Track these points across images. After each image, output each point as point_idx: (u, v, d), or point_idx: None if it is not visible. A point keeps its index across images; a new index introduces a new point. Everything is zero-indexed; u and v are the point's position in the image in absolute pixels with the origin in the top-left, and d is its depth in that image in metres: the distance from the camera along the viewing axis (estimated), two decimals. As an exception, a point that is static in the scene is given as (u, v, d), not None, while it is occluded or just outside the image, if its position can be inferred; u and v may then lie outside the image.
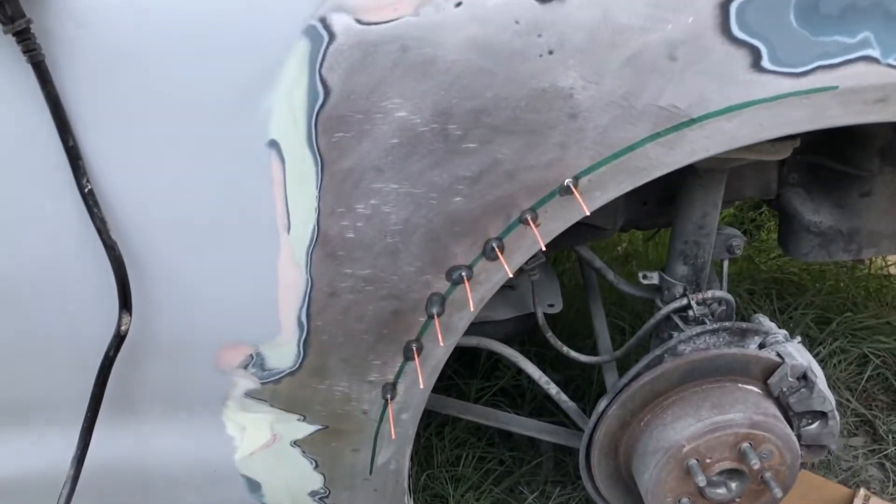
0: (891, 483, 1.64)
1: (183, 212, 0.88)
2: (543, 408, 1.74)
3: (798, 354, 1.16)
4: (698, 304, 1.25)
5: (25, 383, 1.02)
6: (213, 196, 0.87)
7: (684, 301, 1.25)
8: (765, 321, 1.23)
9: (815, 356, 1.79)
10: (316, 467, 1.10)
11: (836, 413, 1.19)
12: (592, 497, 1.32)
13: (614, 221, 1.31)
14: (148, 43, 0.80)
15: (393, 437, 1.05)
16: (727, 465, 1.13)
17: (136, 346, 0.96)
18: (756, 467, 1.11)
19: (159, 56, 0.81)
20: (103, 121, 0.83)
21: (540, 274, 1.28)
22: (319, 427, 1.05)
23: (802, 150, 1.22)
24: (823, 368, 1.78)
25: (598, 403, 1.20)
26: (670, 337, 1.24)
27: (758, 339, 1.20)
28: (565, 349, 1.33)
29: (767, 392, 1.17)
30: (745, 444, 1.11)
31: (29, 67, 0.79)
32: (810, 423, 1.21)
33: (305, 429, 1.05)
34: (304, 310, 0.93)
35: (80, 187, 0.85)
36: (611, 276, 1.37)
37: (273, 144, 0.83)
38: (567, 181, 0.86)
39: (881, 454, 1.70)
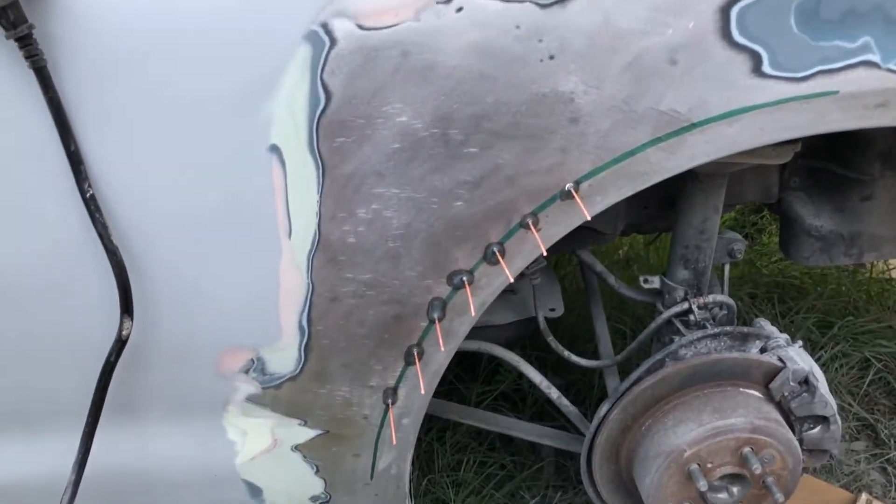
0: (893, 487, 1.63)
1: (184, 216, 0.88)
2: (545, 412, 1.74)
3: (799, 359, 1.16)
4: (699, 308, 1.25)
5: (27, 388, 1.02)
6: (214, 201, 0.87)
7: (685, 305, 1.25)
8: (766, 325, 1.23)
9: (816, 360, 1.79)
10: (317, 472, 1.10)
11: (838, 417, 1.19)
12: (594, 502, 1.31)
13: (615, 226, 1.31)
14: (149, 48, 0.81)
15: (394, 441, 1.05)
16: (729, 469, 1.13)
17: (137, 350, 0.96)
18: (758, 472, 1.11)
19: (161, 61, 0.81)
20: (105, 126, 0.84)
21: (541, 278, 1.28)
22: (320, 432, 1.05)
23: (803, 155, 1.22)
24: (825, 372, 1.77)
25: (599, 408, 1.20)
26: (671, 341, 1.24)
27: (759, 344, 1.20)
28: (566, 353, 1.33)
29: (769, 396, 1.17)
30: (747, 449, 1.11)
31: (31, 72, 0.79)
32: (812, 428, 1.20)
33: (306, 433, 1.05)
34: (305, 314, 0.93)
35: (82, 192, 0.85)
36: (612, 280, 1.37)
37: (274, 149, 0.83)
38: (568, 186, 0.86)
39: (883, 458, 1.69)
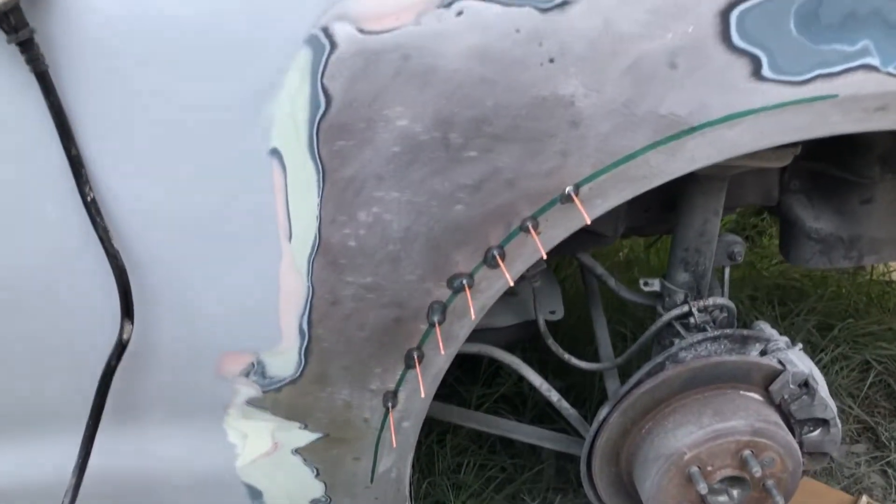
0: (893, 490, 1.63)
1: (185, 220, 0.88)
2: (545, 415, 1.74)
3: (799, 361, 1.16)
4: (699, 311, 1.25)
5: (28, 391, 1.02)
6: (214, 204, 0.87)
7: (685, 308, 1.25)
8: (766, 328, 1.23)
9: (816, 363, 1.79)
10: (317, 475, 1.10)
11: (838, 420, 1.19)
12: (594, 504, 1.31)
13: (615, 228, 1.31)
14: (150, 52, 0.81)
15: (394, 445, 1.05)
16: (729, 472, 1.13)
17: (137, 354, 0.96)
18: (758, 475, 1.11)
19: (161, 65, 0.81)
20: (106, 130, 0.84)
21: (541, 281, 1.28)
22: (320, 435, 1.05)
23: (803, 157, 1.21)
24: (825, 375, 1.78)
25: (599, 411, 1.20)
26: (672, 344, 1.24)
27: (759, 346, 1.20)
28: (566, 356, 1.33)
29: (769, 399, 1.17)
30: (747, 452, 1.11)
31: (32, 76, 0.79)
32: (812, 431, 1.20)
33: (306, 437, 1.05)
34: (306, 318, 0.93)
35: (83, 196, 0.85)
36: (612, 282, 1.37)
37: (275, 153, 0.84)
38: (568, 189, 0.86)
39: (884, 461, 1.69)
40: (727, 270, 1.33)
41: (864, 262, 1.33)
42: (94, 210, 0.86)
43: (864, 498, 1.49)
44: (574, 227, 0.90)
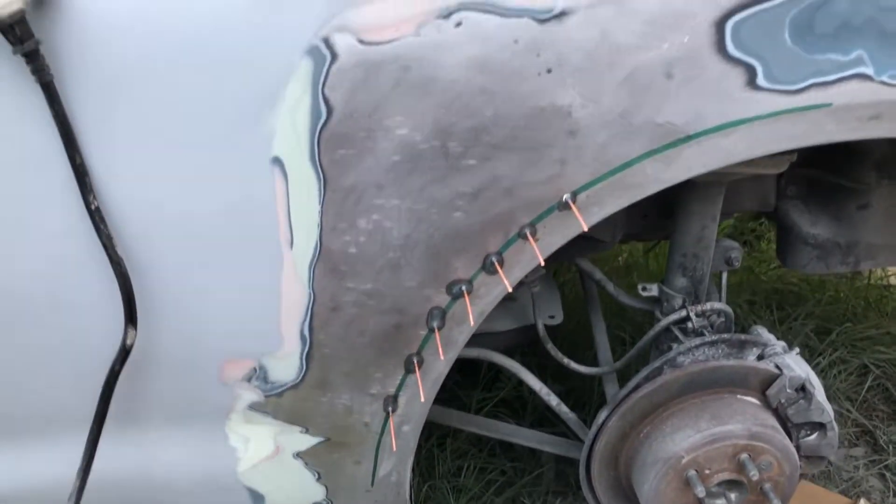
0: (891, 493, 1.64)
1: (187, 228, 0.89)
2: (545, 418, 1.75)
3: (796, 366, 1.17)
4: (697, 315, 1.26)
5: (32, 396, 1.03)
6: (217, 212, 0.88)
7: (683, 313, 1.26)
8: (763, 333, 1.24)
9: (815, 366, 1.80)
10: (318, 479, 1.11)
11: (835, 424, 1.19)
12: (593, 508, 1.32)
13: (613, 234, 1.32)
14: (154, 63, 0.82)
15: (394, 448, 1.06)
16: (726, 476, 1.14)
17: (141, 359, 0.97)
18: (755, 478, 1.12)
19: (165, 76, 0.82)
20: (110, 139, 0.85)
21: (540, 286, 1.29)
22: (321, 439, 1.06)
23: (800, 164, 1.22)
24: (823, 379, 1.79)
25: (598, 415, 1.21)
26: (670, 348, 1.25)
27: (756, 351, 1.21)
28: (566, 360, 1.34)
29: (766, 403, 1.18)
30: (744, 455, 1.12)
31: (37, 86, 0.80)
32: (809, 435, 1.21)
33: (308, 441, 1.06)
34: (307, 323, 0.94)
35: (87, 204, 0.86)
36: (611, 287, 1.38)
37: (276, 161, 0.85)
38: (565, 197, 0.87)
39: (882, 465, 1.70)
40: (725, 275, 1.34)
41: (860, 267, 1.34)
42: (97, 218, 0.87)
43: (862, 501, 1.49)
44: (572, 233, 0.91)
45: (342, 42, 0.80)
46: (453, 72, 0.80)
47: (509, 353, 1.34)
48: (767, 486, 1.14)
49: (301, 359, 0.97)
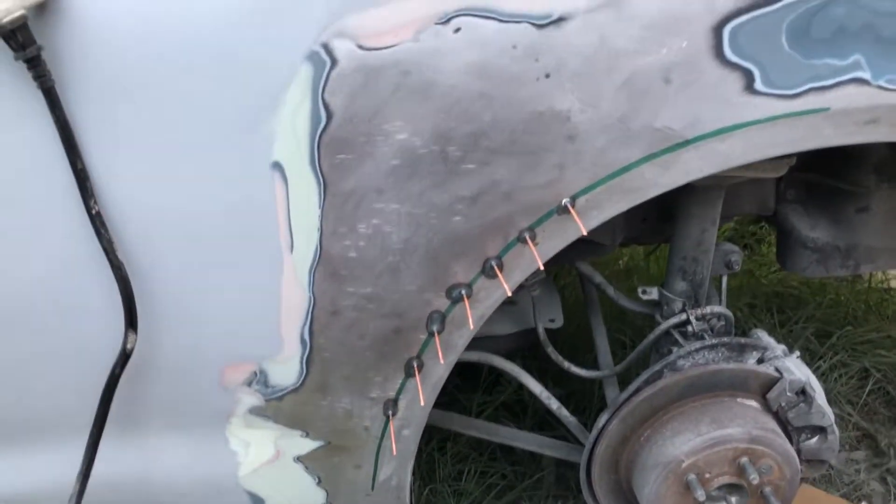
0: (892, 497, 1.63)
1: (188, 232, 0.90)
2: (545, 422, 1.75)
3: (796, 369, 1.17)
4: (697, 319, 1.26)
5: (33, 399, 1.03)
6: (218, 217, 0.89)
7: (683, 316, 1.26)
8: (763, 336, 1.24)
9: (815, 370, 1.80)
10: (318, 483, 1.11)
11: (836, 428, 1.19)
12: (594, 512, 1.32)
13: (613, 238, 1.32)
14: (154, 68, 0.82)
15: (394, 452, 1.06)
16: (726, 479, 1.14)
17: (141, 363, 0.97)
18: (755, 482, 1.11)
19: (165, 81, 0.83)
20: (111, 144, 0.85)
21: (540, 289, 1.29)
22: (322, 443, 1.06)
23: (799, 167, 1.23)
24: (824, 382, 1.79)
25: (598, 418, 1.21)
26: (670, 352, 1.25)
27: (756, 354, 1.21)
28: (566, 364, 1.34)
29: (766, 407, 1.18)
30: (744, 459, 1.12)
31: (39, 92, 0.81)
32: (810, 438, 1.21)
33: (308, 445, 1.07)
34: (307, 327, 0.94)
35: (88, 209, 0.86)
36: (611, 291, 1.38)
37: (276, 166, 0.85)
38: (565, 201, 0.87)
39: (883, 468, 1.70)
40: (724, 279, 1.34)
41: (860, 270, 1.34)
42: (98, 222, 0.87)
43: (863, 505, 1.49)
44: (571, 237, 0.91)
45: (342, 47, 0.80)
46: (452, 77, 0.81)
47: (510, 356, 1.34)
48: (768, 489, 1.14)
49: (301, 363, 0.97)
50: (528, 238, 0.89)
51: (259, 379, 0.99)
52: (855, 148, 1.19)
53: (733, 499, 1.17)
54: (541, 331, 1.33)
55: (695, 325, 1.25)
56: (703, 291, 1.28)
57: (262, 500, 1.13)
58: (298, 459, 1.08)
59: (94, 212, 0.86)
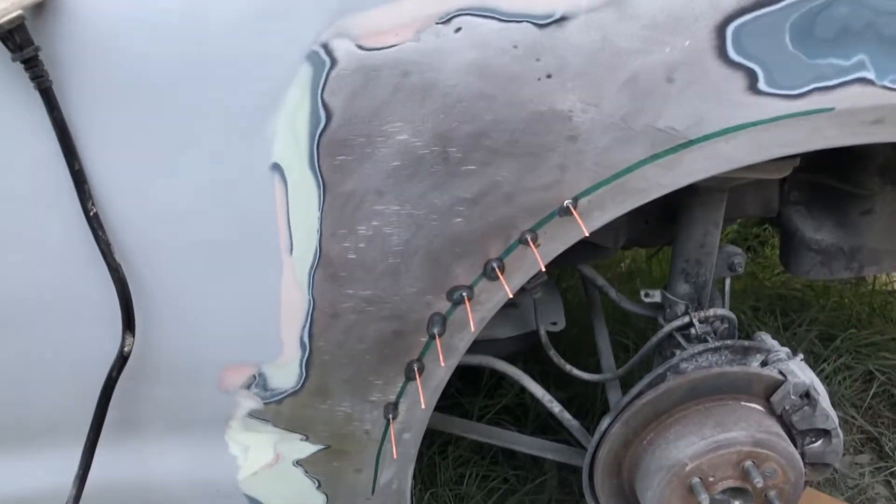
0: (897, 501, 1.63)
1: (186, 233, 0.89)
2: (547, 425, 1.74)
3: (800, 372, 1.16)
4: (700, 322, 1.25)
5: (29, 403, 1.02)
6: (216, 218, 0.88)
7: (686, 319, 1.25)
8: (767, 339, 1.23)
9: (819, 373, 1.79)
10: (318, 487, 1.10)
11: (840, 431, 1.19)
12: (596, 516, 1.31)
13: (616, 240, 1.31)
14: (152, 69, 0.82)
15: (395, 456, 1.05)
16: (730, 483, 1.13)
17: (139, 366, 0.97)
18: (759, 486, 1.11)
19: (163, 82, 0.82)
20: (109, 145, 0.85)
21: (542, 292, 1.28)
22: (322, 447, 1.06)
23: (803, 169, 1.22)
24: (828, 385, 1.78)
25: (601, 422, 1.20)
26: (673, 355, 1.24)
27: (760, 357, 1.20)
28: (568, 367, 1.33)
29: (770, 410, 1.17)
30: (748, 463, 1.11)
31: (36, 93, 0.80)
32: (814, 441, 1.20)
33: (308, 448, 1.06)
34: (307, 330, 0.93)
35: (86, 210, 0.86)
36: (613, 293, 1.37)
37: (276, 167, 0.85)
38: (566, 202, 0.87)
39: (887, 472, 1.69)
40: (728, 281, 1.33)
41: (864, 272, 1.33)
42: (96, 224, 0.86)
43: (868, 509, 1.48)
44: (573, 239, 0.91)
45: (341, 48, 0.80)
46: (453, 77, 0.80)
47: (511, 359, 1.34)
48: (772, 493, 1.13)
49: (301, 366, 0.96)
50: (529, 240, 0.89)
51: (258, 382, 0.98)
52: (859, 149, 1.19)
53: (737, 502, 1.16)
54: (542, 334, 1.32)
55: (698, 328, 1.24)
56: (706, 294, 1.27)
57: (261, 504, 1.12)
58: (298, 463, 1.08)
59: (91, 213, 0.86)
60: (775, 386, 1.16)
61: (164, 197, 0.87)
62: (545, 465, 1.70)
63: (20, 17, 0.76)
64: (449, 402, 1.80)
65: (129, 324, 0.92)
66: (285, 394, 0.99)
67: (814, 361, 1.87)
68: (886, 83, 0.82)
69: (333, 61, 0.80)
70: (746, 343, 1.20)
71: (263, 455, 1.07)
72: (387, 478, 1.10)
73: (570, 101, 0.81)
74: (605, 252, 1.34)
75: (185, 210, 0.88)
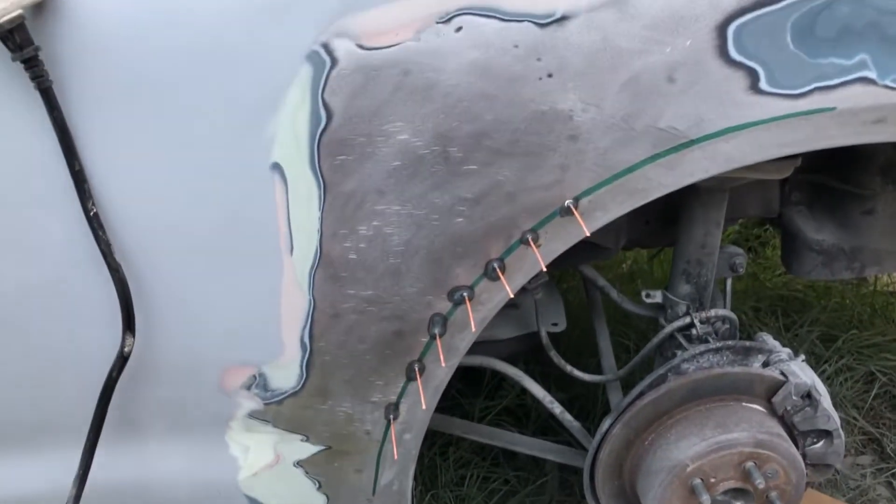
0: (899, 502, 1.62)
1: (187, 234, 0.89)
2: (548, 427, 1.74)
3: (802, 373, 1.16)
4: (702, 322, 1.25)
5: (29, 404, 1.02)
6: (217, 218, 0.88)
7: (687, 320, 1.25)
8: (768, 339, 1.23)
9: (820, 374, 1.79)
10: (319, 488, 1.10)
11: (841, 432, 1.18)
12: (597, 517, 1.31)
13: (617, 241, 1.31)
14: (152, 69, 0.82)
15: (396, 457, 1.05)
16: (732, 484, 1.13)
17: (139, 367, 0.97)
18: (761, 486, 1.10)
19: (163, 81, 0.82)
20: (109, 145, 0.85)
21: (543, 293, 1.28)
22: (322, 447, 1.05)
23: (804, 169, 1.22)
24: (830, 386, 1.78)
25: (602, 423, 1.20)
26: (674, 356, 1.24)
27: (761, 358, 1.20)
28: (569, 368, 1.33)
29: (772, 411, 1.17)
30: (750, 464, 1.11)
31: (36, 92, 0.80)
32: (815, 442, 1.20)
33: (308, 449, 1.06)
34: (307, 331, 0.93)
35: (86, 210, 0.86)
36: (614, 294, 1.37)
37: (276, 167, 0.84)
38: (567, 202, 0.86)
39: (889, 473, 1.68)
40: (729, 282, 1.33)
41: (866, 273, 1.33)
42: (96, 224, 0.86)
43: (870, 510, 1.48)
44: (574, 239, 0.91)
45: (342, 47, 0.79)
46: (453, 76, 0.80)
47: (512, 360, 1.33)
48: (773, 494, 1.13)
49: (301, 366, 0.96)
50: (530, 240, 0.88)
51: (259, 382, 0.98)
52: (861, 149, 1.19)
53: (739, 503, 1.16)
54: (543, 334, 1.32)
55: (699, 329, 1.24)
56: (707, 294, 1.27)
57: (261, 505, 1.12)
58: (298, 464, 1.07)
59: (91, 213, 0.86)
60: (777, 387, 1.15)
61: (165, 197, 0.87)
62: (546, 466, 1.70)
63: (20, 17, 0.76)
64: (450, 402, 1.80)
65: (129, 324, 0.92)
66: (286, 394, 0.99)
67: (815, 362, 1.87)
68: (888, 83, 0.82)
69: (334, 61, 0.80)
70: (748, 344, 1.20)
71: (264, 456, 1.06)
72: (388, 479, 1.10)
73: (571, 100, 0.81)
74: (607, 252, 1.33)
75: (185, 210, 0.88)
